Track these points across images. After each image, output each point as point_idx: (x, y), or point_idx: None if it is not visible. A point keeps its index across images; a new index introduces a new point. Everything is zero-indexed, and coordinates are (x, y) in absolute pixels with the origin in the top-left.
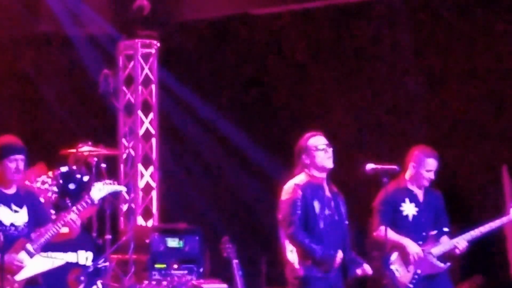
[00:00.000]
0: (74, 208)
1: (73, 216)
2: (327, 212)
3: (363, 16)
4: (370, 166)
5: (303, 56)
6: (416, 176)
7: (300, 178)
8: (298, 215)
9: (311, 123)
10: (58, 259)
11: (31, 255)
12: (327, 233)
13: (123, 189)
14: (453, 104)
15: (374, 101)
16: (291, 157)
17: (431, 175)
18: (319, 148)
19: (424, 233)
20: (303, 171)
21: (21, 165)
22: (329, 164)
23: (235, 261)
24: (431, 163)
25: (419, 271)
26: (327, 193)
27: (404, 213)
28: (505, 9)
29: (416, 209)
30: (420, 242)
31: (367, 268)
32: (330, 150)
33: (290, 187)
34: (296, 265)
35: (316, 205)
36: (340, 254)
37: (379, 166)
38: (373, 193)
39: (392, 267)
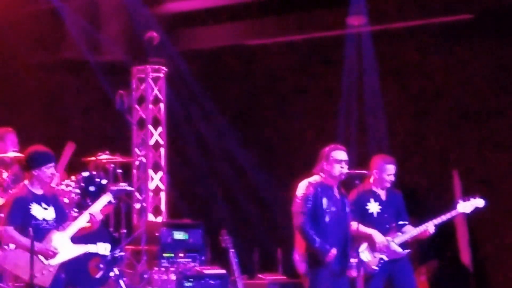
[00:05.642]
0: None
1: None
2: (333, 209)
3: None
4: (345, 170)
5: (290, 82)
6: (379, 180)
7: (314, 178)
8: (308, 208)
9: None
10: (83, 247)
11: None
12: (331, 227)
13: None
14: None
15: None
16: (277, 166)
17: (392, 178)
18: (338, 161)
19: (387, 226)
20: (319, 173)
21: (54, 171)
22: (341, 176)
23: (231, 251)
24: (391, 168)
25: (384, 257)
26: (336, 193)
27: (370, 211)
28: None
29: (380, 207)
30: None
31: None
32: (346, 166)
33: (304, 184)
34: (303, 252)
35: (325, 202)
36: (334, 251)
37: (352, 171)
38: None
39: (361, 254)
